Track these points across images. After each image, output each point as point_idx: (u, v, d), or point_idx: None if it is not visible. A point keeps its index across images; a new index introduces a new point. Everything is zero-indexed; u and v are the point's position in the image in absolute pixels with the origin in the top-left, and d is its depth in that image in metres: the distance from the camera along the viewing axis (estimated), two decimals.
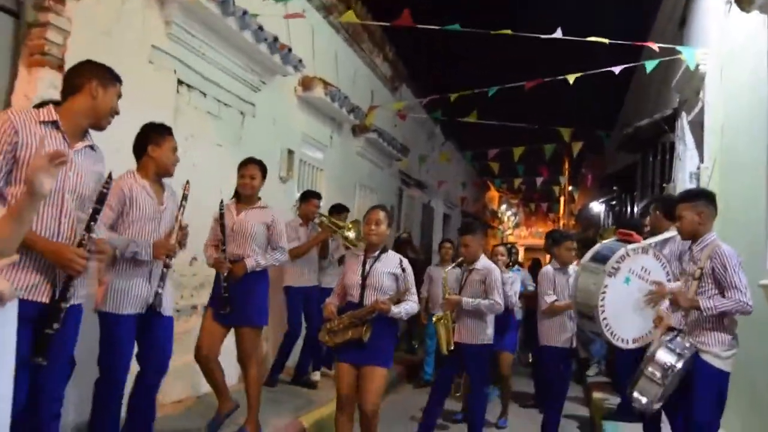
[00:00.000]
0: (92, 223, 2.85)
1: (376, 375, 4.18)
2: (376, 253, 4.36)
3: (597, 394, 7.24)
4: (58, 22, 3.99)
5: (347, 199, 8.42)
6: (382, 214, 4.37)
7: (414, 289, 4.38)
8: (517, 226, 35.38)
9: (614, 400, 6.65)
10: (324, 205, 7.06)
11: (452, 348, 5.17)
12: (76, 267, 2.73)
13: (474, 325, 5.25)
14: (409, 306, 4.29)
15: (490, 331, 5.32)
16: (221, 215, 4.71)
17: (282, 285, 6.57)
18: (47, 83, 3.92)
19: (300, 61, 6.68)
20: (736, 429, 4.63)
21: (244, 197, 4.87)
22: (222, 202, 4.72)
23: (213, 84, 5.76)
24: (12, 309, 1.51)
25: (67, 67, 4.05)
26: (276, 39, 6.06)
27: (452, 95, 8.49)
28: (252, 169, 4.86)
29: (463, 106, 8.92)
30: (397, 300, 4.27)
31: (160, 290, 3.67)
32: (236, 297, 4.58)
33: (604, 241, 5.03)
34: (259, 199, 4.92)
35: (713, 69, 6.29)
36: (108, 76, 3.07)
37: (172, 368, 3.94)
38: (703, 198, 3.99)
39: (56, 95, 3.95)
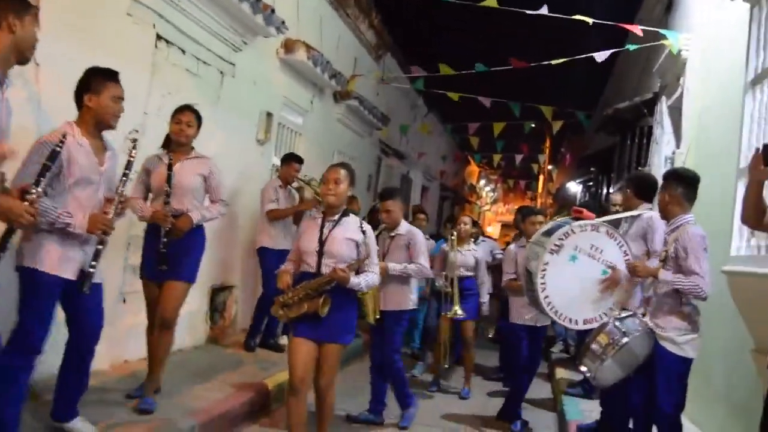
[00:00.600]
0: (41, 178, 2.84)
1: (333, 352, 3.89)
2: (336, 216, 3.93)
3: (560, 371, 7.36)
4: None
5: (325, 166, 8.34)
6: (342, 173, 3.93)
7: (376, 258, 4.06)
8: (495, 202, 35.58)
9: (578, 377, 6.77)
10: (304, 170, 7.00)
11: (378, 317, 4.78)
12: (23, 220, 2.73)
13: (398, 291, 5.15)
14: (370, 277, 3.92)
15: (413, 296, 5.30)
16: (169, 165, 4.31)
17: (255, 246, 6.55)
18: None
19: (283, 22, 6.58)
20: (695, 417, 4.71)
21: (178, 146, 4.41)
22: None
23: (193, 41, 5.66)
24: None
25: (42, 16, 3.96)
26: None
27: (440, 70, 8.46)
28: (188, 115, 4.42)
29: (448, 78, 8.90)
30: (357, 269, 3.90)
31: (91, 270, 3.29)
32: (174, 253, 4.23)
33: (558, 218, 5.05)
34: (193, 148, 4.49)
35: (695, 55, 6.32)
36: (21, 5, 2.82)
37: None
38: (674, 179, 3.96)
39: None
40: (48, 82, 3.96)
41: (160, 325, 4.30)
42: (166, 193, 4.28)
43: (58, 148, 2.89)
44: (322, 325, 3.79)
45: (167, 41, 5.34)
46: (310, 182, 6.67)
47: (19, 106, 3.43)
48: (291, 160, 6.68)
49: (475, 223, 7.26)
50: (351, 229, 3.93)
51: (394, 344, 5.17)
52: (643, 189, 4.55)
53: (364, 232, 3.94)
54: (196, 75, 5.83)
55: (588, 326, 4.19)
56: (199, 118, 4.47)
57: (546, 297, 4.20)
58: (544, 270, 4.19)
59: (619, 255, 4.22)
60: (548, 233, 4.40)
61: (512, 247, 5.89)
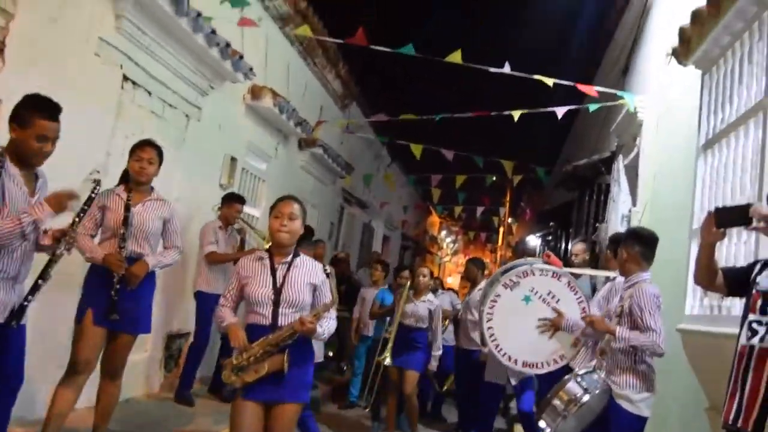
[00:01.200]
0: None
1: (291, 413, 3.31)
2: (288, 257, 3.42)
3: (519, 429, 7.32)
4: (3, 4, 3.90)
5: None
6: (296, 207, 3.43)
7: (332, 305, 3.50)
8: (455, 253, 35.71)
9: None
10: (263, 217, 6.98)
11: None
12: None
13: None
14: (331, 324, 3.44)
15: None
16: (127, 206, 4.04)
17: (191, 290, 6.34)
18: None
19: (251, 69, 6.64)
20: None
21: (137, 184, 4.16)
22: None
23: (160, 83, 5.66)
24: None
25: (8, 52, 3.95)
26: (228, 45, 6.02)
27: (402, 116, 8.58)
28: (149, 152, 4.15)
29: (412, 129, 9.04)
30: (316, 315, 3.39)
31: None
32: (125, 300, 3.91)
33: (527, 258, 5.12)
34: (152, 188, 4.27)
35: (650, 117, 6.53)
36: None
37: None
38: (633, 238, 4.05)
39: None
40: None
41: (110, 376, 4.07)
42: (122, 235, 4.00)
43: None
44: (279, 383, 3.23)
45: (134, 82, 5.33)
46: (253, 226, 6.62)
47: None
48: (233, 200, 6.41)
49: (433, 275, 7.26)
50: (311, 272, 3.44)
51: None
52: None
53: (328, 276, 3.49)
54: (162, 117, 5.81)
55: (526, 369, 4.28)
56: (160, 154, 4.24)
57: (489, 328, 4.22)
58: (494, 301, 4.23)
59: (575, 309, 4.27)
60: (507, 270, 4.44)
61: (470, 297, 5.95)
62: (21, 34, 4.04)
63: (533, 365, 4.21)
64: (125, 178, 4.21)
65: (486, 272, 7.52)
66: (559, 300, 4.28)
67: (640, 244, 4.00)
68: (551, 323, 4.17)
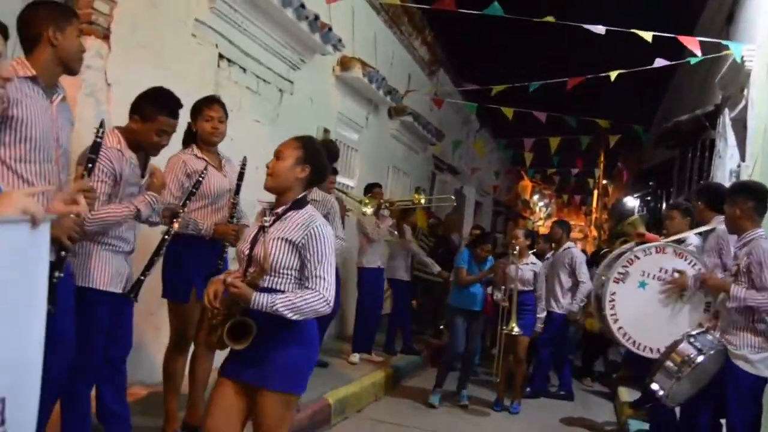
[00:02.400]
0: (85, 172, 2.81)
1: (269, 404, 2.65)
2: (281, 207, 2.76)
3: (623, 391, 7.19)
4: None
5: (380, 181, 8.43)
6: (292, 144, 2.80)
7: (322, 272, 2.66)
8: (548, 217, 35.08)
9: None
10: (358, 186, 7.10)
11: None
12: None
13: None
14: (306, 299, 2.61)
15: None
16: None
17: None
18: (93, 52, 3.99)
19: (339, 40, 6.68)
20: None
21: (210, 145, 3.93)
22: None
23: (253, 60, 5.80)
24: (45, 230, 1.52)
25: (113, 37, 4.13)
26: (317, 17, 6.08)
27: (493, 88, 8.43)
28: (220, 110, 3.94)
29: (502, 93, 8.87)
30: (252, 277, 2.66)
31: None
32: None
33: (624, 246, 4.95)
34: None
35: (759, 66, 6.15)
36: (61, 16, 2.75)
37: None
38: (744, 192, 3.85)
39: (101, 64, 4.06)
40: (118, 103, 4.11)
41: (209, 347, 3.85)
42: (234, 205, 3.88)
43: (99, 139, 2.90)
44: (261, 365, 2.66)
45: (229, 60, 5.48)
46: (348, 193, 6.80)
47: (90, 125, 3.57)
48: (373, 187, 6.89)
49: (530, 234, 7.11)
50: (294, 228, 2.70)
51: None
52: (716, 200, 4.35)
53: (312, 237, 2.66)
54: (257, 93, 5.95)
55: None
56: (227, 112, 4.03)
57: (620, 329, 4.13)
58: (612, 300, 4.13)
59: (691, 272, 4.13)
60: (609, 265, 4.34)
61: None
62: (124, 19, 4.22)
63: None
64: (191, 139, 3.94)
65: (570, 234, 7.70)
66: (672, 272, 4.15)
67: (754, 199, 3.79)
68: (675, 284, 4.04)
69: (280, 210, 2.76)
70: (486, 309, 6.61)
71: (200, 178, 3.59)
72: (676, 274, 4.14)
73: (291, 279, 2.69)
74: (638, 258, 4.17)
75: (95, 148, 2.90)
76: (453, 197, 9.28)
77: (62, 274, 2.67)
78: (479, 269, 6.53)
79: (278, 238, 2.67)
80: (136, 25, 4.36)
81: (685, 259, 4.19)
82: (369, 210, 6.59)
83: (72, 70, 2.85)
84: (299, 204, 2.77)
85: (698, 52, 6.46)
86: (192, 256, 3.76)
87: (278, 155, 2.77)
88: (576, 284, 7.24)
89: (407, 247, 7.93)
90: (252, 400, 2.69)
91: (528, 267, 6.51)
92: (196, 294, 3.73)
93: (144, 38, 4.44)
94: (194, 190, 3.56)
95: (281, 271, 2.67)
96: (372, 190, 7.18)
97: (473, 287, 6.45)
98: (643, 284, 4.16)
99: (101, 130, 2.94)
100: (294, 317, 2.59)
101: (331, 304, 2.67)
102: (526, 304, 6.44)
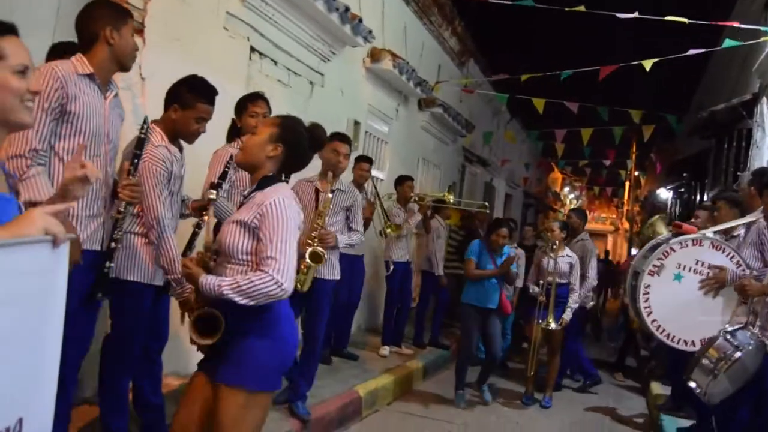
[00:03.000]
0: (131, 168, 2.89)
1: (224, 400, 2.42)
2: (249, 189, 2.65)
3: (655, 386, 7.10)
4: None
5: (410, 173, 8.42)
6: (271, 122, 2.70)
7: (273, 251, 2.39)
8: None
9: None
10: (388, 179, 7.12)
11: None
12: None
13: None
14: (254, 281, 2.36)
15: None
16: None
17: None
18: None
19: (370, 32, 6.67)
20: None
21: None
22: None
23: (284, 53, 5.82)
24: (64, 251, 1.55)
25: (147, 32, 4.18)
26: (347, 9, 6.07)
27: (522, 77, 8.36)
28: (264, 106, 4.09)
29: (532, 84, 8.79)
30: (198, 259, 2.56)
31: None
32: None
33: (661, 235, 4.86)
34: None
35: None
36: (118, 16, 2.88)
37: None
38: None
39: (137, 58, 4.09)
40: (152, 95, 4.15)
41: None
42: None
43: (143, 136, 2.98)
44: (216, 353, 2.50)
45: (260, 53, 5.51)
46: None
47: (126, 119, 3.61)
48: (359, 160, 6.48)
49: (565, 226, 6.88)
50: (249, 209, 2.50)
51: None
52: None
53: (261, 215, 2.44)
54: (288, 85, 5.98)
55: None
56: (270, 108, 4.16)
57: (654, 321, 4.06)
58: (647, 293, 4.07)
59: (731, 267, 4.04)
60: (645, 256, 4.27)
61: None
62: (157, 14, 4.27)
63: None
64: (235, 134, 4.08)
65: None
66: (710, 265, 4.06)
67: None
68: (714, 280, 3.95)
69: (246, 191, 2.65)
70: (503, 306, 6.16)
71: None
72: (715, 270, 4.05)
73: (252, 266, 2.45)
74: (674, 250, 4.10)
75: (140, 143, 2.97)
76: (486, 203, 9.27)
77: (113, 264, 2.90)
78: (493, 260, 6.08)
79: (233, 221, 2.51)
80: (169, 19, 4.40)
81: (723, 252, 4.09)
82: (393, 233, 6.82)
83: (126, 67, 2.98)
84: (265, 183, 2.57)
85: (737, 33, 6.30)
86: None
87: (254, 130, 2.72)
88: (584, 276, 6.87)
89: (428, 245, 7.87)
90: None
91: (564, 260, 6.42)
92: None
93: (176, 32, 4.48)
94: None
95: (239, 257, 2.46)
96: (403, 182, 7.21)
97: (487, 282, 6.03)
98: (679, 277, 4.09)
99: (145, 127, 3.01)
100: (243, 302, 2.34)
101: (286, 287, 2.35)
102: (561, 297, 6.34)
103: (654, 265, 4.09)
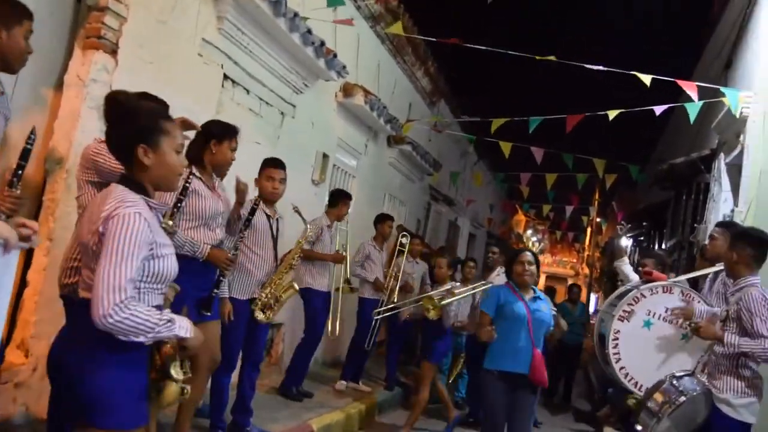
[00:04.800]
0: (14, 179, 2.65)
1: None
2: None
3: (608, 430, 7.15)
4: (116, 8, 4.10)
5: (376, 209, 8.47)
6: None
7: (105, 272, 2.03)
8: (541, 252, 35.12)
9: None
10: (354, 211, 7.14)
11: None
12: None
13: None
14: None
15: None
16: (254, 207, 4.38)
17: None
18: (100, 66, 4.03)
19: (344, 67, 6.75)
20: None
21: (269, 203, 4.68)
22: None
23: (257, 82, 5.85)
24: (14, 257, 1.54)
25: (120, 52, 4.18)
26: (323, 43, 6.15)
27: (493, 119, 8.49)
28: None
29: (500, 128, 8.93)
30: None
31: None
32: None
33: (632, 282, 4.93)
34: None
35: (756, 113, 6.23)
36: (12, 14, 2.77)
37: None
38: (744, 240, 3.87)
39: (107, 78, 4.08)
40: None
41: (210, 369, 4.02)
42: (241, 237, 4.32)
43: (29, 146, 2.72)
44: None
45: (233, 81, 5.53)
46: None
47: (93, 136, 3.58)
48: (386, 219, 7.30)
49: (455, 263, 7.01)
50: (93, 224, 2.18)
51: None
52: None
53: (102, 235, 2.11)
54: (258, 115, 6.00)
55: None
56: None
57: (622, 368, 4.09)
58: (616, 339, 4.10)
59: (698, 306, 4.12)
60: (613, 303, 4.32)
61: None
62: (132, 36, 4.26)
63: None
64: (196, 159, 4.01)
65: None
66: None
67: (752, 247, 3.82)
68: (682, 313, 4.02)
69: None
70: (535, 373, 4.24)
71: (181, 196, 3.61)
72: (684, 304, 4.14)
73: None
74: (644, 296, 4.14)
75: (24, 154, 2.72)
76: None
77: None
78: (523, 300, 4.40)
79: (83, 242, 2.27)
80: (144, 41, 4.41)
81: (693, 300, 4.18)
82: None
83: (11, 69, 2.86)
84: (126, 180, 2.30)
85: (695, 97, 6.53)
86: (184, 276, 3.67)
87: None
88: None
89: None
90: None
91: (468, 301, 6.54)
92: (188, 314, 3.69)
93: (151, 55, 4.48)
94: (176, 208, 3.59)
95: (86, 280, 2.19)
96: (384, 221, 7.31)
97: (516, 334, 4.30)
98: (648, 324, 4.13)
99: (32, 137, 2.74)
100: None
101: (108, 317, 2.00)
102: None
103: (624, 311, 4.12)
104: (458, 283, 6.25)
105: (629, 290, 4.41)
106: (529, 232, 31.88)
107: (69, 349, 2.16)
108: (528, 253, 4.52)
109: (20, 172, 2.69)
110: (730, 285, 4.03)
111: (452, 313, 5.95)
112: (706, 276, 4.88)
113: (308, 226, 4.99)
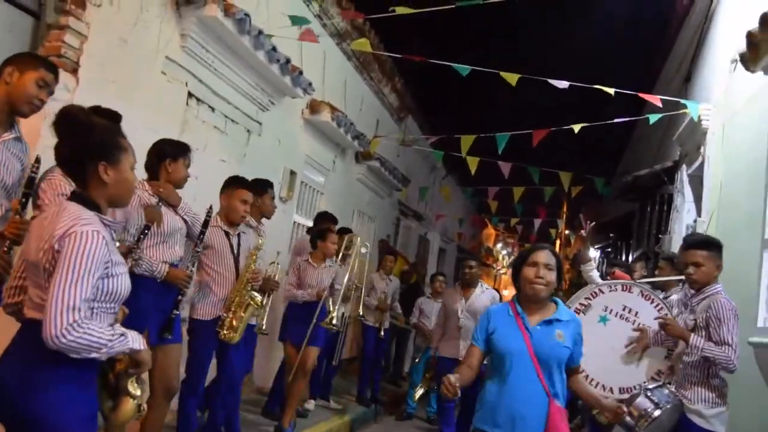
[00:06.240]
0: (21, 207, 2.82)
1: None
2: None
3: None
4: (77, 26, 4.05)
5: (344, 225, 8.44)
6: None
7: (64, 286, 2.00)
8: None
9: None
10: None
11: None
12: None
13: None
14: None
15: None
16: (207, 218, 4.08)
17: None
18: (61, 85, 3.93)
19: (310, 84, 6.75)
20: None
21: (232, 223, 4.56)
22: (210, 207, 4.11)
23: (222, 100, 5.81)
24: None
25: (81, 71, 4.12)
26: (288, 60, 6.14)
27: (461, 137, 8.54)
28: (252, 195, 4.64)
29: (466, 143, 8.98)
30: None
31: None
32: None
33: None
34: None
35: (715, 125, 6.37)
36: (27, 61, 2.95)
37: None
38: (720, 249, 3.90)
39: (68, 97, 4.02)
40: None
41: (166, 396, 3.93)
42: (196, 252, 4.14)
43: (34, 175, 2.94)
44: None
45: (198, 99, 5.49)
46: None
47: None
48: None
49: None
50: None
51: None
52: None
53: (57, 252, 2.07)
54: (224, 132, 5.95)
55: (624, 395, 3.98)
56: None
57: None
58: None
59: (656, 316, 4.12)
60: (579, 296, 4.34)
61: None
62: (94, 54, 4.22)
63: (629, 389, 4.00)
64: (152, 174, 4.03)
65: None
66: (637, 312, 4.12)
67: (720, 256, 3.86)
68: (638, 344, 4.01)
69: None
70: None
71: (149, 222, 3.65)
72: (637, 333, 4.14)
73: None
74: (602, 292, 4.13)
75: (29, 182, 2.94)
76: None
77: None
78: (523, 329, 3.06)
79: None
80: (106, 60, 4.35)
81: (652, 303, 4.16)
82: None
83: (19, 112, 2.96)
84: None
85: (659, 105, 6.65)
86: (142, 296, 3.46)
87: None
88: None
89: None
90: None
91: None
92: (148, 338, 3.58)
93: (113, 73, 4.43)
94: (146, 231, 3.62)
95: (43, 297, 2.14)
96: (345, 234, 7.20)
97: (519, 387, 2.96)
98: (604, 319, 4.11)
99: (36, 166, 2.92)
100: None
101: (61, 338, 1.96)
102: None
103: (581, 304, 4.11)
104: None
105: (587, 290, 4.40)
106: (499, 245, 32.08)
107: (11, 370, 2.09)
108: (545, 252, 3.12)
109: (25, 200, 2.86)
110: (690, 294, 4.07)
111: None
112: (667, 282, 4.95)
113: (261, 239, 4.76)
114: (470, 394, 3.83)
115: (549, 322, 3.07)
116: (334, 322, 5.76)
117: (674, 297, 4.49)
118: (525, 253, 3.22)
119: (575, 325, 3.15)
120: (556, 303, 3.17)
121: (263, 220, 5.22)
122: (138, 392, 2.22)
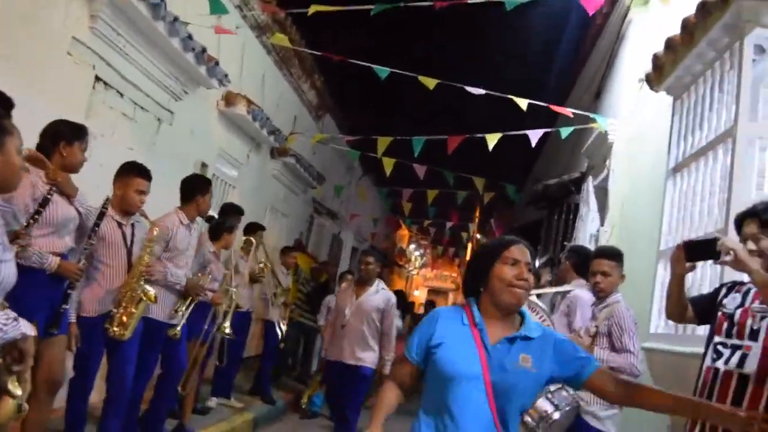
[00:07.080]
0: (30, 221, 3.17)
1: None
2: None
3: None
4: None
5: (257, 220, 8.30)
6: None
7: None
8: (423, 266, 35.81)
9: None
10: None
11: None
12: None
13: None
14: None
15: None
16: (103, 209, 3.99)
17: None
18: None
19: (226, 75, 6.59)
20: None
21: (125, 213, 4.28)
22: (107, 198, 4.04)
23: (132, 86, 5.59)
24: None
25: None
26: (204, 50, 5.97)
27: (378, 138, 8.56)
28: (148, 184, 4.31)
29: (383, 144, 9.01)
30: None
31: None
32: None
33: None
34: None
35: (621, 140, 6.64)
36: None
37: None
38: (623, 259, 4.06)
39: None
40: None
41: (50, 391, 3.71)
42: (90, 243, 3.93)
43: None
44: None
45: (106, 83, 5.26)
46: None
47: None
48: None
49: None
50: None
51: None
52: (583, 264, 4.56)
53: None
54: (132, 119, 5.73)
55: None
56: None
57: None
58: None
59: None
60: None
61: None
62: None
63: None
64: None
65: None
66: None
67: (622, 266, 4.02)
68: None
69: None
70: None
71: (41, 208, 3.48)
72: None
73: None
74: None
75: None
76: None
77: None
78: (482, 347, 2.28)
79: None
80: (8, 38, 4.10)
81: (537, 314, 4.29)
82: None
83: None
84: None
85: (571, 116, 6.87)
86: (31, 289, 3.26)
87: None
88: None
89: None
90: None
91: None
92: (37, 330, 3.39)
93: (14, 52, 4.17)
94: (33, 219, 3.44)
95: None
96: (255, 231, 7.08)
97: (476, 420, 2.20)
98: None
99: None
100: None
101: None
102: None
103: None
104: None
105: None
106: (412, 246, 32.45)
107: None
108: (523, 247, 2.38)
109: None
110: (578, 306, 4.23)
111: None
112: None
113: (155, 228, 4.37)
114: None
115: (512, 340, 2.29)
116: (227, 331, 5.72)
117: (561, 308, 4.62)
118: (495, 247, 2.40)
119: (549, 340, 2.33)
120: (522, 315, 2.38)
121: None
122: (18, 392, 2.08)
